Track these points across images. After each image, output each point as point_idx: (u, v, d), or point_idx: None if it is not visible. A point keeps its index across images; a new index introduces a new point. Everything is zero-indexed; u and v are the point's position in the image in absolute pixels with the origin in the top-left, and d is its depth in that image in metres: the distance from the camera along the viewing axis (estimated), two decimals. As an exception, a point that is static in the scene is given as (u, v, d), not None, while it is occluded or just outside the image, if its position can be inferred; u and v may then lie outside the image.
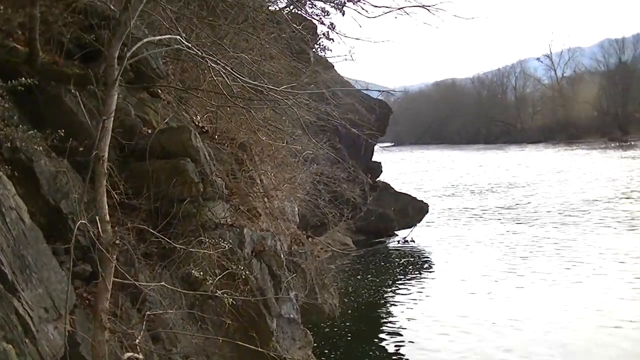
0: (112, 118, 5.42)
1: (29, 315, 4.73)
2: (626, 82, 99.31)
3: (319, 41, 18.59)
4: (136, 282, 5.89)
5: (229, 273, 7.34)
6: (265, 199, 10.37)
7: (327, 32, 15.55)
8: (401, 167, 63.48)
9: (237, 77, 7.65)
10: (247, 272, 7.69)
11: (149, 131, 7.47)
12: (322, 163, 17.23)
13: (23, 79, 5.45)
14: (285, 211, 11.95)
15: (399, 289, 19.57)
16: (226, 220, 8.13)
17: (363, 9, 12.42)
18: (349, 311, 16.47)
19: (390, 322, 16.35)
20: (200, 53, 7.04)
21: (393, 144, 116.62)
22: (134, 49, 5.73)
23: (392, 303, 18.09)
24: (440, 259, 23.83)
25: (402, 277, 21.37)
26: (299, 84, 12.67)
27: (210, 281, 7.01)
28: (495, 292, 17.86)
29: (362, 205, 23.73)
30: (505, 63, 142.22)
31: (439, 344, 14.21)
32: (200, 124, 9.09)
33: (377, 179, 28.97)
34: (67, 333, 5.00)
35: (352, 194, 19.65)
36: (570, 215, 30.57)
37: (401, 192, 30.78)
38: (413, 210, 29.04)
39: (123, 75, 6.06)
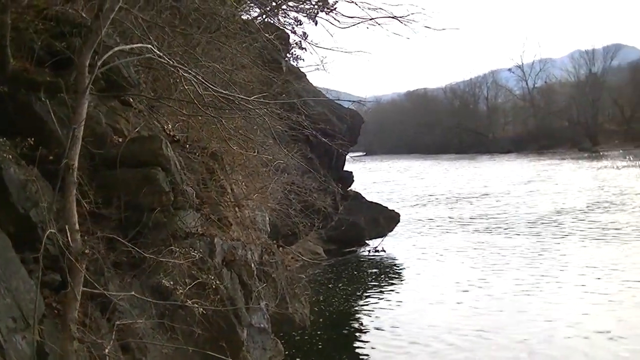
0: (83, 126, 5.42)
1: (-4, 325, 4.68)
2: (596, 93, 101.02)
3: (291, 51, 18.72)
4: (106, 292, 5.87)
5: (199, 282, 7.33)
6: (236, 209, 10.36)
7: (300, 41, 15.66)
8: (373, 177, 63.80)
9: (209, 86, 7.67)
10: (217, 282, 7.68)
11: (120, 140, 7.41)
12: (293, 172, 17.26)
13: (-7, 86, 5.43)
14: (256, 220, 11.96)
15: (370, 298, 19.61)
16: (197, 230, 8.10)
17: (335, 19, 12.57)
18: (320, 320, 16.51)
19: (361, 331, 16.37)
20: (172, 62, 7.06)
21: (365, 153, 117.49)
22: (105, 57, 5.74)
23: (363, 312, 18.11)
24: (411, 268, 23.88)
25: (373, 286, 21.42)
26: (271, 94, 12.73)
27: (180, 291, 6.99)
28: (466, 302, 17.93)
29: (333, 214, 23.83)
30: (477, 73, 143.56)
31: (409, 352, 14.27)
32: (171, 133, 9.04)
33: (349, 188, 29.00)
34: (35, 343, 4.96)
35: (323, 203, 19.73)
36: (541, 225, 30.84)
37: (372, 202, 30.99)
38: (384, 220, 29.14)
39: (94, 83, 6.02)
